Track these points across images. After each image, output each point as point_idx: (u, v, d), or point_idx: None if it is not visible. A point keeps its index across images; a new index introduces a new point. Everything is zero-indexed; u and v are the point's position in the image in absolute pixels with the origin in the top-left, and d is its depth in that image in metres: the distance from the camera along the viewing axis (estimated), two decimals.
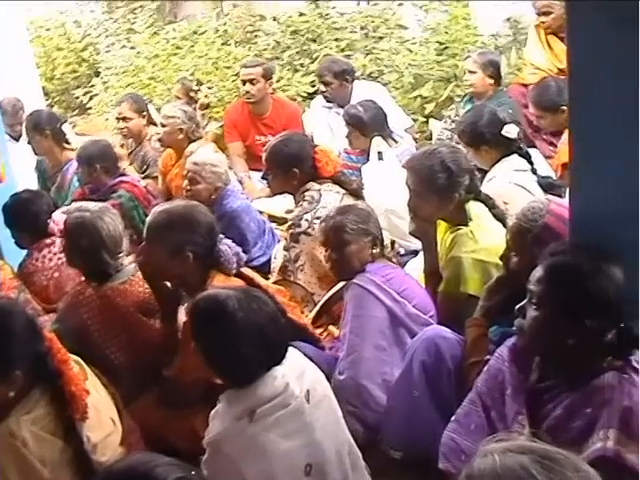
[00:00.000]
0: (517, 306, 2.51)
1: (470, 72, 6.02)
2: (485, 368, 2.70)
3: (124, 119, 6.34)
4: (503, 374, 2.59)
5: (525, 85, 6.12)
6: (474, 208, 3.65)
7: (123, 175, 5.38)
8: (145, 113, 6.43)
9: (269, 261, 4.88)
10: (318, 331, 3.89)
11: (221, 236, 3.54)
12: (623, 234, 2.50)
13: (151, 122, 6.47)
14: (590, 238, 2.50)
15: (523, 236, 3.01)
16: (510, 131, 4.42)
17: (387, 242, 3.92)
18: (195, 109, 6.80)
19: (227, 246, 3.50)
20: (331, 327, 3.97)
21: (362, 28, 8.67)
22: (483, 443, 1.62)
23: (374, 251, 3.54)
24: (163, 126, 5.83)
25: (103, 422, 2.90)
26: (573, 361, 2.43)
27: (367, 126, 5.42)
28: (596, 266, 2.39)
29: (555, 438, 2.37)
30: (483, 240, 3.52)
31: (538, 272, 2.45)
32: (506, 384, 2.57)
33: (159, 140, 6.02)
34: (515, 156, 4.44)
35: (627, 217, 2.51)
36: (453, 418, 2.73)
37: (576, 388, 2.40)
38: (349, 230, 3.54)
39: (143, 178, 5.97)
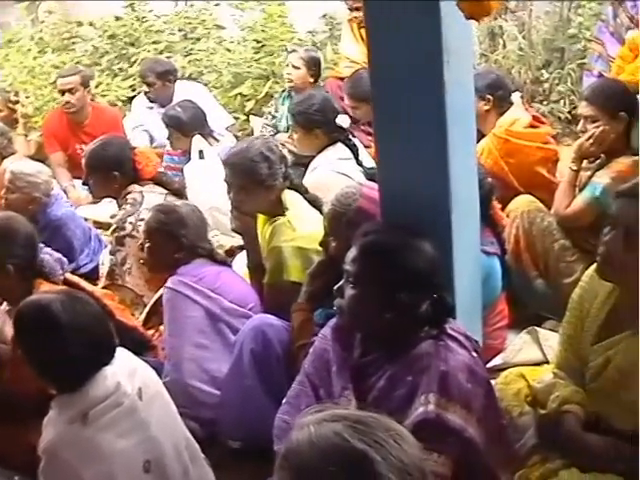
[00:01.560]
0: (335, 287, 2.61)
1: (294, 67, 6.14)
2: (311, 349, 2.78)
3: None
4: (328, 353, 2.68)
5: (341, 78, 6.27)
6: (289, 197, 3.74)
7: None
8: None
9: (97, 267, 4.80)
10: (150, 332, 3.90)
11: (41, 245, 3.49)
12: (433, 209, 2.65)
13: None
14: (400, 216, 2.63)
15: (338, 220, 3.13)
16: (343, 121, 4.56)
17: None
18: (17, 120, 6.66)
19: (48, 254, 3.47)
20: (162, 327, 3.98)
21: (180, 30, 8.69)
22: (299, 416, 1.69)
23: (177, 255, 3.57)
24: None
25: None
26: (392, 333, 2.53)
27: (186, 126, 5.45)
28: (406, 242, 2.51)
29: (381, 408, 2.44)
30: (301, 228, 3.61)
31: (352, 252, 2.55)
32: (331, 362, 2.65)
33: None
34: (340, 145, 4.58)
35: (436, 193, 2.66)
36: (284, 401, 2.79)
37: (397, 359, 2.50)
38: (150, 228, 3.63)
39: None
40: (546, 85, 7.03)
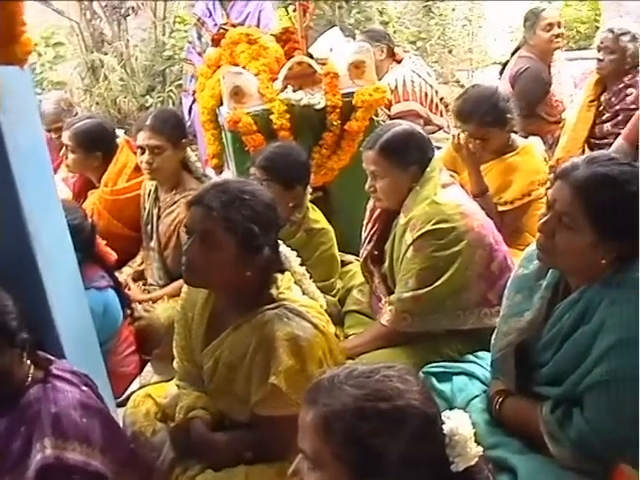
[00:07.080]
0: None
1: None
2: None
3: None
4: None
5: None
6: None
7: None
8: None
9: None
10: None
11: None
12: (15, 257, 2.62)
13: None
14: None
15: None
16: None
17: None
18: None
19: None
20: None
21: None
22: None
23: None
24: None
25: None
26: None
27: None
28: None
29: (1, 464, 2.45)
30: None
31: None
32: None
33: None
34: None
35: (15, 239, 2.61)
36: None
37: (7, 411, 2.48)
38: None
39: None
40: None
